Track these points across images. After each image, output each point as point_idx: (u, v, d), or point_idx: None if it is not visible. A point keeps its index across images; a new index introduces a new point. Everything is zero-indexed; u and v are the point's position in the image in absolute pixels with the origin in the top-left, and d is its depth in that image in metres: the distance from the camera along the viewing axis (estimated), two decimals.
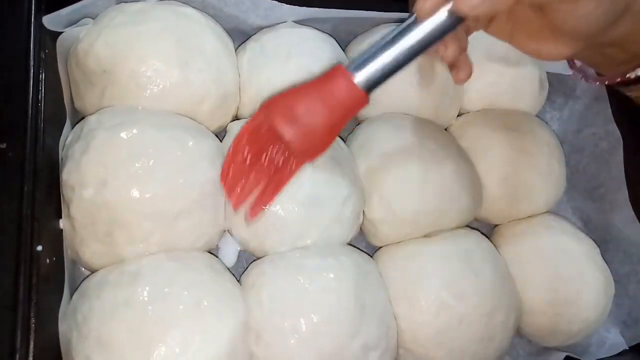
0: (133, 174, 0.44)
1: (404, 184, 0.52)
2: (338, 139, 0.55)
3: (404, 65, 0.38)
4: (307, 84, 0.41)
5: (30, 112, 0.44)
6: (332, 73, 0.39)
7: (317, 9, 0.58)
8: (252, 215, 0.45)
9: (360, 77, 0.38)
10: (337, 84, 0.39)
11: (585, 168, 0.66)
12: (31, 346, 0.38)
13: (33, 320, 0.39)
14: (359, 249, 0.54)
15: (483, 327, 0.50)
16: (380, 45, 0.38)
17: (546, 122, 0.69)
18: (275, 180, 0.43)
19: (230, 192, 0.45)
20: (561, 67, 0.65)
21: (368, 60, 0.38)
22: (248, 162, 0.43)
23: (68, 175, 0.44)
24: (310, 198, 0.49)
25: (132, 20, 0.49)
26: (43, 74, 0.46)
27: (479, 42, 0.63)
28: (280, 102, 0.41)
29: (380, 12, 0.61)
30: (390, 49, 0.37)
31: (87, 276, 0.46)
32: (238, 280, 0.49)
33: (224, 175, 0.45)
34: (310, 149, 0.41)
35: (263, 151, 0.42)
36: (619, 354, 0.59)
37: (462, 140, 0.61)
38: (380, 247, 0.55)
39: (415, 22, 0.36)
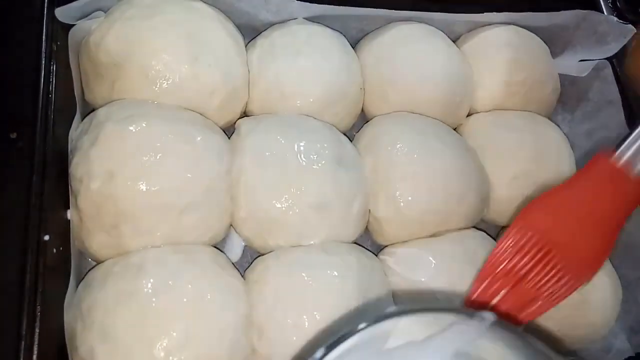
0: (140, 167, 0.44)
1: (410, 183, 0.52)
2: (344, 137, 0.55)
3: None
4: (568, 182, 0.35)
5: (40, 103, 0.44)
6: (592, 162, 0.35)
7: (327, 6, 0.58)
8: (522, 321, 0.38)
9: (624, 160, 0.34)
10: (600, 171, 0.34)
11: None
12: (36, 334, 0.39)
13: (39, 309, 0.39)
14: (364, 247, 0.54)
15: None
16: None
17: (557, 124, 0.68)
18: (543, 297, 0.37)
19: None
20: (574, 69, 0.65)
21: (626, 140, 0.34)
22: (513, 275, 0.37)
23: (76, 167, 0.45)
24: (317, 200, 0.49)
25: (143, 14, 0.50)
26: (54, 66, 0.47)
27: (491, 43, 0.63)
28: (536, 204, 0.36)
29: (391, 10, 0.61)
30: None
31: (93, 267, 0.46)
32: (242, 275, 0.49)
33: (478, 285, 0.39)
34: (588, 262, 0.35)
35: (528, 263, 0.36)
36: None
37: (472, 140, 0.60)
38: (386, 246, 0.55)
39: None
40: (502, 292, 0.37)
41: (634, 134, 0.35)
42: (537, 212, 0.37)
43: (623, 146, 0.35)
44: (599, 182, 0.35)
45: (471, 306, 0.38)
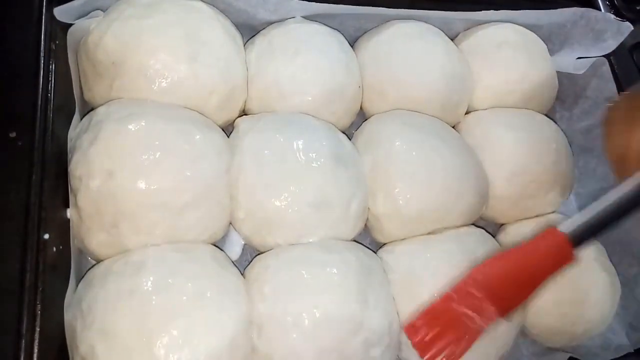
0: (140, 165, 0.44)
1: (409, 180, 0.52)
2: (343, 135, 0.56)
3: (615, 222, 0.39)
4: (516, 248, 0.41)
5: (39, 102, 0.44)
6: (543, 233, 0.40)
7: (326, 4, 0.58)
8: None
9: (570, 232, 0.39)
10: (546, 239, 0.40)
11: (595, 169, 0.66)
12: (37, 333, 0.39)
13: (39, 308, 0.39)
14: (363, 245, 0.54)
15: None
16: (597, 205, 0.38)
17: (555, 122, 0.68)
18: (464, 339, 0.41)
19: (417, 342, 0.42)
20: (572, 67, 0.65)
21: (575, 218, 0.39)
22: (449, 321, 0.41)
23: (75, 166, 0.45)
24: (316, 198, 0.49)
25: (142, 13, 0.50)
26: (53, 65, 0.47)
27: (489, 41, 0.64)
28: (485, 267, 0.41)
29: (389, 9, 0.61)
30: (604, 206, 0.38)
31: (93, 265, 0.46)
32: (242, 274, 0.49)
33: (415, 326, 0.42)
34: (507, 305, 0.41)
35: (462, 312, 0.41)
36: (624, 357, 0.58)
37: (470, 138, 0.60)
38: (385, 244, 0.55)
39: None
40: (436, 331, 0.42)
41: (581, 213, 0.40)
42: (484, 275, 0.41)
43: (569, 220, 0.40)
44: (545, 246, 0.40)
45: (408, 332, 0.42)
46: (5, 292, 0.39)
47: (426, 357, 0.41)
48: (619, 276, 0.60)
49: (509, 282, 0.40)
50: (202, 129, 0.49)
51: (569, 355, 0.55)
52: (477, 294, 0.41)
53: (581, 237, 0.39)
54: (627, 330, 0.60)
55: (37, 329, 0.39)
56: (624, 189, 0.38)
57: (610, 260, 0.60)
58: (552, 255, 0.40)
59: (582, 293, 0.55)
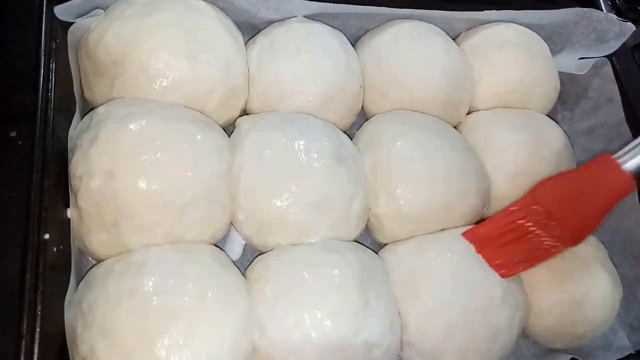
0: (140, 165, 0.44)
1: (411, 181, 0.52)
2: (344, 135, 0.55)
3: None
4: (575, 170, 0.49)
5: (40, 101, 0.44)
6: (597, 159, 0.46)
7: (327, 4, 0.58)
8: (503, 276, 0.50)
9: (630, 165, 0.44)
10: (603, 166, 0.45)
11: None
12: (37, 333, 0.39)
13: (39, 308, 0.39)
14: (364, 245, 0.54)
15: (488, 324, 0.50)
16: None
17: (557, 122, 0.68)
18: (533, 257, 0.48)
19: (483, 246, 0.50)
20: (573, 67, 0.65)
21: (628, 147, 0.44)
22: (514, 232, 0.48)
23: (76, 166, 0.45)
24: (317, 199, 0.49)
25: (142, 12, 0.50)
26: (53, 64, 0.47)
27: (491, 41, 0.63)
28: (548, 184, 0.47)
29: (391, 9, 0.60)
30: None
31: (93, 265, 0.46)
32: (243, 274, 0.49)
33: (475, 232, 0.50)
34: (576, 234, 0.46)
35: (529, 228, 0.47)
36: (625, 358, 0.58)
37: (472, 138, 0.60)
38: (386, 244, 0.55)
39: None
40: (499, 243, 0.49)
41: (635, 141, 0.45)
42: (544, 190, 0.47)
43: (624, 149, 0.45)
44: (599, 173, 0.45)
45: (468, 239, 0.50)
46: (6, 293, 0.38)
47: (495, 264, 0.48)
48: (620, 277, 0.60)
49: (571, 202, 0.45)
50: (203, 128, 0.48)
51: (570, 356, 0.55)
52: (542, 212, 0.46)
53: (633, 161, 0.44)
54: (628, 331, 0.60)
55: (38, 329, 0.39)
56: None
57: (612, 261, 0.60)
58: (609, 181, 0.44)
59: (583, 294, 0.55)
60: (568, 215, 0.45)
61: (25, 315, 0.38)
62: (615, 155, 0.45)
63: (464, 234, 0.51)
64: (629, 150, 0.44)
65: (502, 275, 0.50)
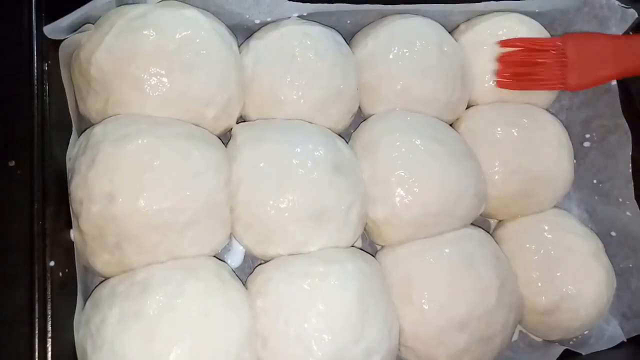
0: (139, 187, 0.45)
1: (408, 187, 0.52)
2: (341, 141, 0.55)
3: None
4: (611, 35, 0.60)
5: (35, 127, 0.44)
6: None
7: (321, 4, 0.57)
8: (499, 85, 0.61)
9: None
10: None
11: (593, 161, 0.66)
12: (49, 356, 0.40)
13: (49, 335, 0.41)
14: (362, 249, 0.55)
15: (484, 327, 0.51)
16: None
17: (556, 112, 0.68)
18: (534, 79, 0.60)
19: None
20: None
21: None
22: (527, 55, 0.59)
23: (76, 190, 0.45)
24: (315, 209, 0.49)
25: (133, 26, 0.49)
26: (47, 86, 0.46)
27: (490, 33, 0.62)
28: (582, 34, 0.60)
29: (387, 5, 0.59)
30: None
31: (99, 284, 0.47)
32: (244, 282, 0.50)
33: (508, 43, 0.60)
34: (579, 80, 0.58)
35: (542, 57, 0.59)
36: (618, 346, 0.60)
37: (470, 134, 0.60)
38: (384, 246, 0.56)
39: None
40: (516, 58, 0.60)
41: None
42: (574, 35, 0.61)
43: None
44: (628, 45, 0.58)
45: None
46: (16, 322, 0.40)
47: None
48: (614, 266, 0.61)
49: (589, 53, 0.57)
50: (200, 144, 0.49)
51: (564, 348, 0.57)
52: (560, 47, 0.59)
53: None
54: (620, 319, 0.62)
55: (49, 353, 0.40)
56: None
57: (607, 252, 0.61)
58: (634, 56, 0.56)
59: (578, 290, 0.56)
60: (581, 60, 0.57)
61: (36, 342, 0.40)
62: None
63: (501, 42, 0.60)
64: None
65: (498, 85, 0.61)
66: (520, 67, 0.59)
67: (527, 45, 0.60)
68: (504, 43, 0.60)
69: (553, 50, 0.59)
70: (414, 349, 0.51)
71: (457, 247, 0.53)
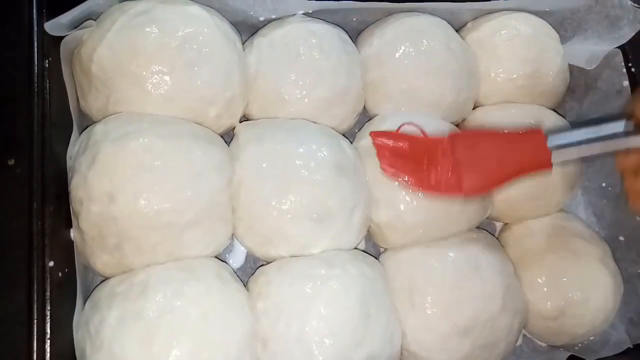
0: (140, 187, 0.44)
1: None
2: (345, 141, 0.55)
3: (594, 153, 0.45)
4: (501, 130, 0.49)
5: (35, 126, 0.44)
6: (529, 130, 0.47)
7: (326, 1, 0.56)
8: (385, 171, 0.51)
9: (552, 141, 0.44)
10: (530, 138, 0.45)
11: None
12: (47, 357, 0.40)
13: (48, 335, 0.40)
14: (365, 252, 0.54)
15: (488, 333, 0.51)
16: (583, 131, 0.44)
17: (565, 113, 0.67)
18: (424, 183, 0.49)
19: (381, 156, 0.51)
20: (584, 60, 0.62)
21: (565, 133, 0.45)
22: (411, 156, 0.50)
23: (76, 189, 0.45)
24: (317, 211, 0.49)
25: (135, 22, 0.48)
26: (47, 83, 0.46)
27: (498, 32, 0.61)
28: (468, 132, 0.51)
29: (393, 3, 0.58)
30: (591, 136, 0.44)
31: (98, 284, 0.47)
32: (245, 283, 0.50)
33: (382, 135, 0.51)
34: (475, 185, 0.47)
35: (430, 159, 0.49)
36: (624, 353, 0.59)
37: None
38: (387, 249, 0.56)
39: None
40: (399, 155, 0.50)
41: (571, 130, 0.46)
42: (462, 133, 0.52)
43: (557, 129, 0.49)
44: (522, 140, 0.46)
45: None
46: (14, 323, 0.39)
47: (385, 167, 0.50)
48: (621, 271, 0.60)
49: (481, 155, 0.46)
50: (202, 144, 0.48)
51: (569, 354, 0.56)
52: (448, 152, 0.47)
53: (561, 147, 0.44)
54: (627, 325, 0.61)
55: (48, 354, 0.40)
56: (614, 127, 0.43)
57: (615, 256, 0.60)
58: (529, 150, 0.45)
59: (584, 296, 0.55)
60: (471, 161, 0.46)
61: (34, 343, 0.40)
62: (546, 132, 0.46)
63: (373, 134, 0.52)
64: (560, 131, 0.46)
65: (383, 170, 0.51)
66: (400, 158, 0.51)
67: (407, 142, 0.51)
68: (375, 135, 0.52)
69: (435, 145, 0.49)
70: (416, 354, 0.50)
71: (462, 252, 0.52)
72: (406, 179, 0.49)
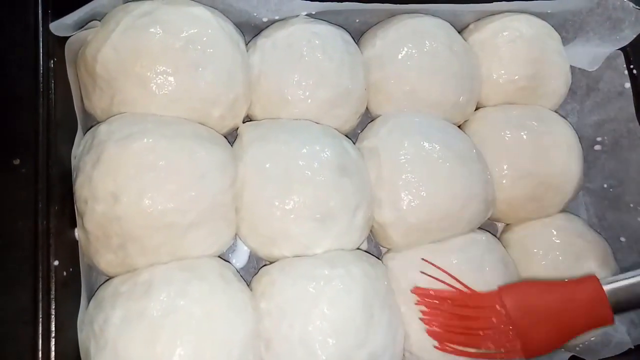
0: (144, 188, 0.44)
1: (415, 190, 0.52)
2: (348, 142, 0.55)
3: None
4: (553, 281, 0.43)
5: (41, 126, 0.44)
6: (584, 280, 0.41)
7: (329, 3, 0.56)
8: (440, 348, 0.46)
9: (612, 294, 0.40)
10: (586, 291, 0.41)
11: (604, 164, 0.65)
12: (52, 356, 0.40)
13: (53, 334, 0.41)
14: (367, 252, 0.54)
15: None
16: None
17: (566, 114, 0.67)
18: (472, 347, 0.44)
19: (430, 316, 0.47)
20: (585, 62, 0.62)
21: (626, 281, 0.40)
22: (461, 322, 0.45)
23: (80, 189, 0.45)
24: (320, 212, 0.49)
25: (139, 23, 0.48)
26: (52, 83, 0.46)
27: (500, 34, 0.61)
28: (519, 288, 0.44)
29: (396, 5, 0.58)
30: None
31: (102, 283, 0.47)
32: (249, 282, 0.50)
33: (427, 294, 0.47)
34: (537, 350, 0.42)
35: (481, 321, 0.44)
36: (625, 354, 0.59)
37: (478, 137, 0.59)
38: (390, 249, 0.56)
39: None
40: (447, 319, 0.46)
41: (627, 276, 0.42)
42: (514, 296, 0.43)
43: (614, 278, 0.42)
44: (579, 294, 0.41)
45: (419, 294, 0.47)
46: (19, 322, 0.40)
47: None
48: (622, 273, 0.60)
49: (538, 318, 0.41)
50: (206, 144, 0.48)
51: (570, 354, 0.56)
52: (502, 314, 0.42)
53: (623, 303, 0.40)
54: (628, 326, 0.61)
55: (53, 352, 0.40)
56: None
57: (616, 258, 0.60)
58: (587, 305, 0.40)
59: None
60: (528, 323, 0.41)
61: (39, 341, 0.40)
62: (603, 281, 0.41)
63: (415, 290, 0.48)
64: (618, 280, 0.42)
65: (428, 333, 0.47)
66: (449, 320, 0.46)
67: (455, 308, 0.46)
68: (417, 292, 0.48)
69: (487, 311, 0.44)
70: (418, 356, 0.50)
71: (465, 254, 0.53)
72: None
